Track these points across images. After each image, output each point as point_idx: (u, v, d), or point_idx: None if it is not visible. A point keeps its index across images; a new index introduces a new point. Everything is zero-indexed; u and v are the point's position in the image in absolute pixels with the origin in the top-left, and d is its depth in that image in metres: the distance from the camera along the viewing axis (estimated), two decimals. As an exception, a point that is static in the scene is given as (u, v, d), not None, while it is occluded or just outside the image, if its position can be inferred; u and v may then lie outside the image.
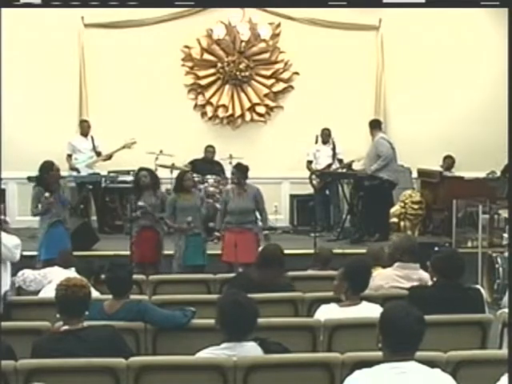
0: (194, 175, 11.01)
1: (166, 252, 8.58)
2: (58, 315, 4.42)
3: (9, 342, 4.39)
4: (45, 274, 6.31)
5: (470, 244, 10.12)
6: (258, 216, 8.72)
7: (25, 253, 8.49)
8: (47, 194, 8.26)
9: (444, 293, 5.10)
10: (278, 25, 12.10)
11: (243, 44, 12.01)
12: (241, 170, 8.69)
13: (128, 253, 8.39)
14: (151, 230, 8.48)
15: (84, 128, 11.30)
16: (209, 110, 12.17)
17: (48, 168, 8.44)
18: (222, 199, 8.88)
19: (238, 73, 12.03)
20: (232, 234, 8.40)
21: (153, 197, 8.50)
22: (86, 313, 4.40)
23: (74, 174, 10.97)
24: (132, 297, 5.16)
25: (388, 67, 12.20)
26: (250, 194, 8.52)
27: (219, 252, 8.70)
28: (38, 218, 8.52)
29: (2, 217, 6.32)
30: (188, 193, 8.44)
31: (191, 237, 8.35)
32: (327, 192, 11.42)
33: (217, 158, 11.59)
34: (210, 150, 11.57)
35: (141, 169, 8.81)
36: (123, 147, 10.99)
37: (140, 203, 8.36)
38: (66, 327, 4.32)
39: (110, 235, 10.75)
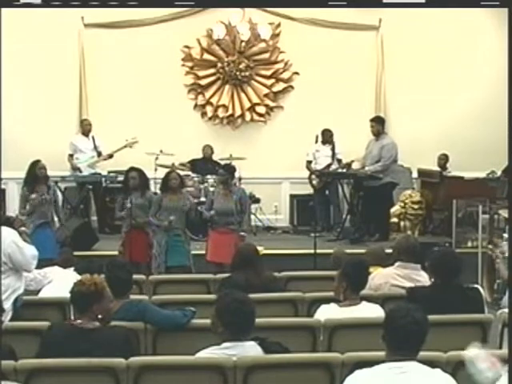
0: (194, 175, 11.05)
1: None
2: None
3: (9, 342, 4.39)
4: (45, 274, 6.31)
5: (470, 244, 10.11)
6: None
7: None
8: (33, 196, 8.31)
9: (442, 293, 5.11)
10: (278, 25, 12.10)
11: (243, 44, 12.01)
12: (228, 171, 8.72)
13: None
14: (140, 230, 8.48)
15: (85, 127, 11.32)
16: (209, 110, 12.18)
17: (32, 168, 8.50)
18: (209, 197, 8.95)
19: (238, 73, 12.03)
20: (216, 234, 8.46)
21: (140, 198, 8.49)
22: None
23: (77, 173, 10.99)
24: (132, 297, 5.16)
25: (388, 67, 12.20)
26: (235, 195, 8.53)
27: (203, 252, 8.73)
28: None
29: (23, 228, 6.33)
30: (174, 193, 8.44)
31: (172, 237, 8.35)
32: (327, 192, 11.42)
33: (217, 157, 11.59)
34: (207, 149, 11.57)
35: (130, 169, 8.78)
36: (125, 146, 11.01)
37: (128, 204, 8.37)
38: (79, 321, 4.33)
39: (110, 235, 10.74)
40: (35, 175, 8.56)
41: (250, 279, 5.77)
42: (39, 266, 6.48)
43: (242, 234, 8.54)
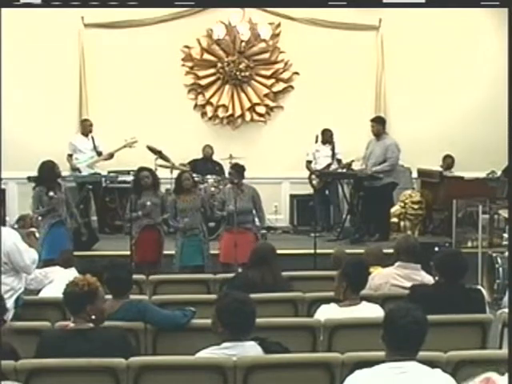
0: (194, 175, 11.04)
1: (166, 252, 8.59)
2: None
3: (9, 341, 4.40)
4: (46, 274, 6.32)
5: (470, 244, 10.11)
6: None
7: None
8: (52, 193, 8.27)
9: (444, 292, 5.11)
10: (278, 25, 12.10)
11: (243, 44, 12.01)
12: (238, 171, 8.71)
13: (128, 253, 8.37)
14: (153, 229, 8.48)
15: (85, 127, 11.30)
16: (209, 110, 12.17)
17: (50, 167, 8.45)
18: (220, 199, 8.90)
19: (238, 73, 12.03)
20: (231, 235, 8.40)
21: (153, 196, 8.49)
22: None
23: (76, 173, 10.98)
24: (132, 297, 5.16)
25: (388, 67, 12.20)
26: (247, 194, 8.54)
27: (217, 252, 8.72)
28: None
29: (32, 229, 6.30)
30: (188, 193, 8.45)
31: (190, 237, 8.36)
32: (327, 192, 11.41)
33: (216, 158, 11.59)
34: (207, 149, 11.57)
35: (142, 168, 8.78)
36: (124, 146, 11.01)
37: (148, 203, 8.35)
38: (72, 325, 4.33)
39: (110, 235, 10.75)
40: (56, 175, 8.54)
41: (264, 277, 5.80)
42: (52, 265, 6.51)
43: (263, 231, 8.55)
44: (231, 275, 6.51)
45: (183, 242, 8.37)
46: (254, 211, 8.69)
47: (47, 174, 8.44)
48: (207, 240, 8.64)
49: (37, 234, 6.33)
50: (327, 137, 11.35)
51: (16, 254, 5.59)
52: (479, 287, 5.68)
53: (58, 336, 4.35)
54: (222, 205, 8.60)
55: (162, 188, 9.90)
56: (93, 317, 4.29)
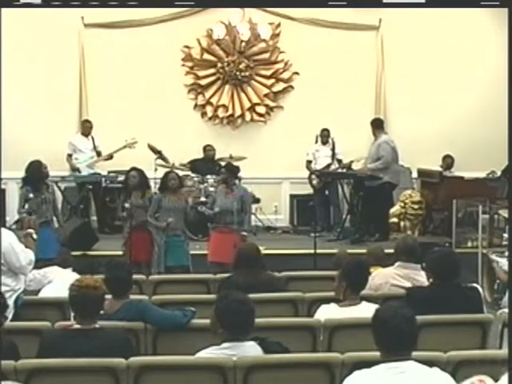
0: (194, 175, 11.04)
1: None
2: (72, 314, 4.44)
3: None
4: (44, 274, 6.32)
5: (470, 244, 10.12)
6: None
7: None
8: (31, 196, 8.27)
9: (441, 293, 5.10)
10: (278, 25, 12.10)
11: (243, 44, 12.02)
12: (230, 170, 8.71)
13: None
14: (143, 230, 8.47)
15: (86, 128, 11.31)
16: (209, 110, 12.18)
17: (37, 167, 8.44)
18: (211, 196, 8.94)
19: (238, 73, 12.03)
20: (218, 234, 8.44)
21: (140, 198, 8.49)
22: (102, 312, 4.47)
23: (76, 173, 10.98)
24: (132, 297, 5.16)
25: (388, 67, 12.21)
26: (237, 194, 8.51)
27: (203, 252, 8.72)
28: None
29: (30, 230, 6.28)
30: (174, 193, 8.43)
31: (171, 237, 8.35)
32: (327, 192, 11.43)
33: (216, 157, 11.58)
34: (209, 149, 11.56)
35: (131, 168, 8.80)
36: (124, 147, 11.01)
37: (126, 205, 8.37)
38: (77, 326, 4.33)
39: (109, 235, 10.74)
40: (43, 175, 8.53)
41: (250, 279, 5.77)
42: (40, 266, 6.49)
43: (244, 233, 8.52)
44: (226, 275, 6.46)
45: (167, 241, 8.35)
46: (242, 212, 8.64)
47: (34, 174, 8.45)
48: (188, 241, 8.64)
49: (34, 236, 6.30)
50: (324, 136, 11.37)
51: (11, 255, 5.57)
52: (475, 285, 5.67)
53: (59, 336, 4.36)
54: (212, 203, 8.61)
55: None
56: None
